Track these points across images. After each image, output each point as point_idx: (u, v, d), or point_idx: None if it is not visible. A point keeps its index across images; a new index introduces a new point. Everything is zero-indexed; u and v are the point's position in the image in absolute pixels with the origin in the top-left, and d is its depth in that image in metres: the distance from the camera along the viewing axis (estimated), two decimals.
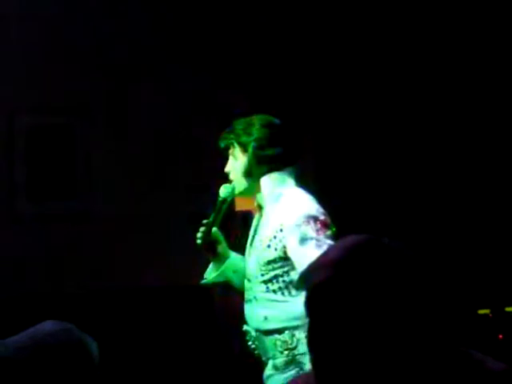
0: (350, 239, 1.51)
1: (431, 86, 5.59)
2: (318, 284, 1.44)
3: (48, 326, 1.81)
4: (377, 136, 5.61)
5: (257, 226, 3.21)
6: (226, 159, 3.25)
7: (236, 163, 3.19)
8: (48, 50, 4.99)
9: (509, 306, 5.26)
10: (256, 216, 3.25)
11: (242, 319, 3.31)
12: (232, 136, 3.18)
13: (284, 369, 3.09)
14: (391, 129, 5.61)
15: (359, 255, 1.44)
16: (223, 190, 3.22)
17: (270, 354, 3.12)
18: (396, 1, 5.44)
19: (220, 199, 3.20)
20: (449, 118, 5.59)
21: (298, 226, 3.01)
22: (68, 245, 4.99)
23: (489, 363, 1.47)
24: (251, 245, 3.21)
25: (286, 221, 3.05)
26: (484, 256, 5.49)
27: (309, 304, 1.46)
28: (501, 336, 5.15)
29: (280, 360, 3.09)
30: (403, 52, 5.56)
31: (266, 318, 3.11)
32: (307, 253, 2.85)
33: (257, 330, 3.17)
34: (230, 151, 3.20)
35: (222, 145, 3.23)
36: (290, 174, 3.17)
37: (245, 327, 3.25)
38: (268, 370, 3.18)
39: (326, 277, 1.44)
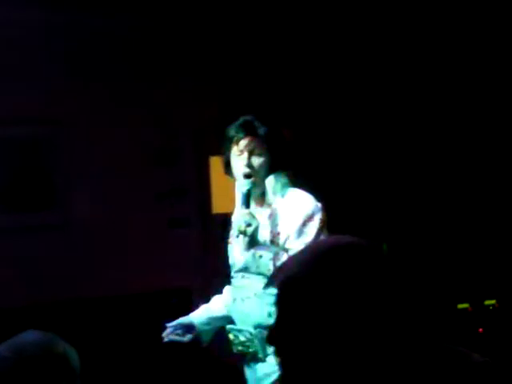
0: (324, 241, 1.53)
1: (413, 87, 5.61)
2: (286, 283, 1.45)
3: (30, 335, 1.81)
4: (355, 138, 5.63)
5: (255, 228, 3.21)
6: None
7: (259, 160, 3.21)
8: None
9: (488, 299, 5.29)
10: (250, 214, 3.26)
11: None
12: (266, 136, 3.23)
13: None
14: (372, 132, 5.64)
15: (330, 257, 1.44)
16: (244, 184, 3.22)
17: (271, 350, 3.12)
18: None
19: (245, 192, 3.20)
20: (434, 115, 5.61)
21: (302, 224, 3.11)
22: (46, 255, 4.97)
23: (467, 357, 1.48)
24: (250, 242, 3.20)
25: (292, 218, 3.14)
26: (462, 250, 5.52)
27: (277, 302, 1.47)
28: (481, 330, 5.18)
29: None
30: (379, 53, 5.58)
31: (270, 314, 3.10)
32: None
33: (257, 327, 3.17)
34: (254, 149, 3.22)
35: (248, 147, 3.23)
36: (290, 175, 3.29)
37: (237, 327, 3.26)
38: (266, 367, 3.17)
39: (294, 276, 1.44)
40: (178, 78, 5.36)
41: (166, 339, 3.35)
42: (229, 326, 3.31)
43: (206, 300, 3.53)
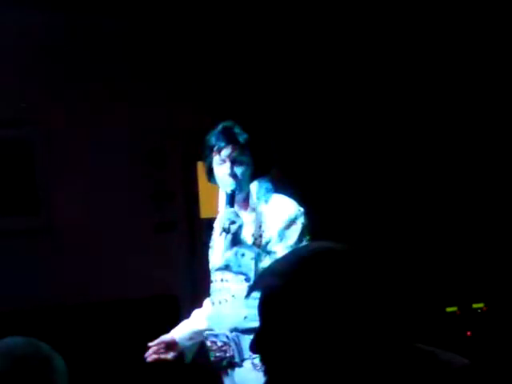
0: (305, 248, 1.53)
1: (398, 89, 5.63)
2: (269, 293, 1.45)
3: (14, 340, 1.80)
4: (338, 140, 5.64)
5: (238, 226, 3.22)
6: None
7: (242, 168, 3.22)
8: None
9: (476, 302, 5.30)
10: (234, 212, 3.26)
11: None
12: (247, 143, 3.23)
13: None
14: (354, 133, 5.65)
15: (313, 266, 1.44)
16: (229, 184, 3.23)
17: (247, 355, 3.12)
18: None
19: (229, 192, 3.21)
20: (421, 114, 5.62)
21: (285, 227, 3.16)
22: (30, 260, 4.94)
23: (450, 359, 1.48)
24: (233, 240, 3.21)
25: (275, 222, 3.18)
26: (451, 254, 5.53)
27: (260, 311, 1.47)
28: (469, 333, 5.19)
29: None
30: (366, 56, 5.60)
31: (245, 318, 3.11)
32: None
33: (233, 331, 3.17)
34: (237, 158, 3.22)
35: (238, 155, 3.23)
36: (273, 180, 3.32)
37: (214, 332, 3.25)
38: (243, 372, 3.17)
39: (276, 284, 1.44)
40: (166, 80, 5.36)
41: (149, 359, 3.35)
42: (206, 333, 3.31)
43: (193, 306, 3.52)
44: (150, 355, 3.34)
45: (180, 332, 3.40)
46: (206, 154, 3.29)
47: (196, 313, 3.45)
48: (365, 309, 1.41)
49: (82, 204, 5.12)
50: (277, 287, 1.44)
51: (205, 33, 5.39)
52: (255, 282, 1.53)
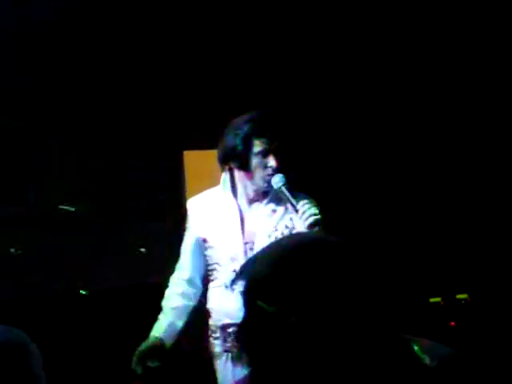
0: (292, 237, 1.53)
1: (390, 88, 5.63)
2: (254, 283, 1.45)
3: None
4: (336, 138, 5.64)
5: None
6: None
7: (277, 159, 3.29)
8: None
9: (460, 293, 5.32)
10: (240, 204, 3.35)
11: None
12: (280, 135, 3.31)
13: None
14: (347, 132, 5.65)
15: (298, 256, 1.44)
16: (276, 181, 3.30)
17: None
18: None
19: (281, 186, 3.27)
20: (413, 116, 5.64)
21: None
22: (19, 249, 4.93)
23: (438, 349, 1.50)
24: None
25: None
26: (434, 245, 5.55)
27: (245, 301, 1.48)
28: (453, 323, 5.21)
29: None
30: (354, 56, 5.59)
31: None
32: None
33: None
34: (277, 148, 3.29)
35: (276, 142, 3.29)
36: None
37: (234, 321, 3.25)
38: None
39: (263, 273, 1.45)
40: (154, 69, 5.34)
41: (139, 371, 3.33)
42: (222, 323, 3.35)
43: None
44: (137, 366, 3.32)
45: (165, 332, 3.40)
46: (240, 141, 3.30)
47: (173, 307, 3.45)
48: (352, 299, 1.42)
49: (69, 192, 5.11)
50: (264, 276, 1.44)
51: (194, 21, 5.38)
52: (241, 269, 1.52)
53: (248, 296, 1.46)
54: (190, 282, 3.48)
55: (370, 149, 5.64)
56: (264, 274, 1.44)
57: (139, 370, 3.32)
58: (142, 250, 5.22)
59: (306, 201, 3.23)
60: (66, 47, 5.13)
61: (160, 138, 5.34)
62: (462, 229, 5.56)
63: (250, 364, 1.47)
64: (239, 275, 1.50)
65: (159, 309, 3.47)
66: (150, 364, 3.34)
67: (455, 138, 5.61)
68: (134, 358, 3.32)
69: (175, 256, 5.34)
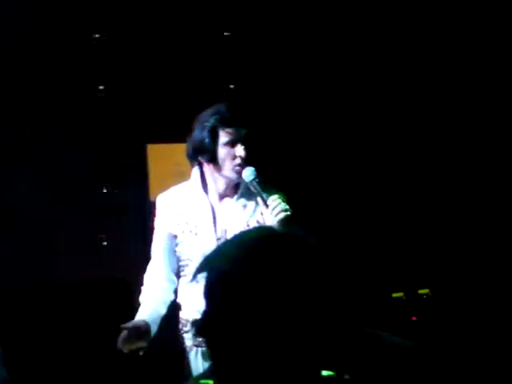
0: (252, 232, 1.54)
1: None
2: (216, 279, 1.46)
3: None
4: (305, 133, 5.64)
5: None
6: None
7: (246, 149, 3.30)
8: None
9: (422, 288, 5.36)
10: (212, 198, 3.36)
11: None
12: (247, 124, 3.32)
13: None
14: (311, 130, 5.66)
15: (259, 251, 1.45)
16: (247, 174, 3.30)
17: None
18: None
19: (252, 179, 3.28)
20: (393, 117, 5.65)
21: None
22: None
23: (397, 342, 1.51)
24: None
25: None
26: (397, 240, 5.58)
27: (206, 295, 1.48)
28: (414, 318, 5.25)
29: None
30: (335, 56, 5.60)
31: None
32: None
33: None
34: (245, 137, 3.30)
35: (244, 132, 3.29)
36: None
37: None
38: None
39: (223, 268, 1.45)
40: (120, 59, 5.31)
41: (124, 350, 3.20)
42: (192, 319, 3.34)
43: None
44: (124, 344, 3.19)
45: (150, 316, 3.32)
46: (205, 133, 3.29)
47: (153, 298, 3.42)
48: (312, 294, 1.43)
49: (30, 186, 5.06)
50: (224, 271, 1.44)
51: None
52: (201, 264, 1.52)
53: (209, 290, 1.46)
54: (165, 277, 3.46)
55: (339, 140, 5.64)
56: (223, 270, 1.44)
57: (126, 350, 3.21)
58: (104, 243, 5.19)
59: (276, 196, 3.23)
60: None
61: (123, 131, 5.31)
62: (424, 225, 5.59)
63: (211, 358, 1.47)
64: (201, 268, 1.50)
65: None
66: (136, 346, 3.23)
67: (422, 131, 5.64)
68: (121, 337, 3.20)
69: (138, 251, 5.32)
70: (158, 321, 3.37)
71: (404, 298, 5.33)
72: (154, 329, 3.32)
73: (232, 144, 3.27)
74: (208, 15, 5.38)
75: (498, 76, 5.52)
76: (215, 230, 3.35)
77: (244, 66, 5.48)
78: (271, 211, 3.20)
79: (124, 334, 3.19)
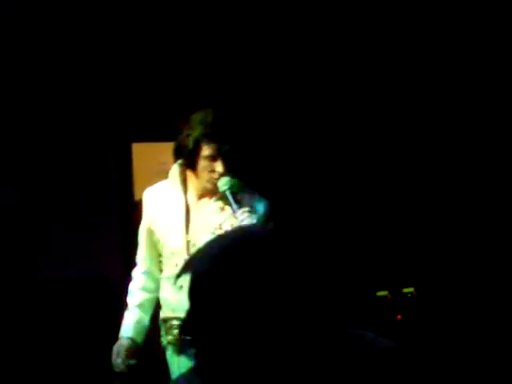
0: (234, 233, 1.56)
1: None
2: (198, 279, 1.47)
3: None
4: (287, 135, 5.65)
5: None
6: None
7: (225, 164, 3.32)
8: None
9: (406, 287, 5.38)
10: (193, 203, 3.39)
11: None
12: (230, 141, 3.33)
13: None
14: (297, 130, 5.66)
15: (241, 250, 1.45)
16: (222, 184, 3.33)
17: None
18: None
19: (226, 189, 3.31)
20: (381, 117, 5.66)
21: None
22: None
23: (378, 342, 1.51)
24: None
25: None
26: (381, 238, 5.60)
27: (190, 295, 1.49)
28: (399, 317, 5.27)
29: None
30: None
31: None
32: None
33: None
34: (226, 153, 3.31)
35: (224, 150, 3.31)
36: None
37: (174, 315, 3.29)
38: None
39: (205, 269, 1.46)
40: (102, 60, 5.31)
41: (126, 370, 3.40)
42: (164, 316, 3.35)
43: (127, 288, 3.52)
44: (121, 368, 3.40)
45: (135, 332, 3.45)
46: (191, 143, 3.31)
47: (137, 305, 3.48)
48: (293, 294, 1.44)
49: (15, 185, 5.06)
50: (206, 272, 1.45)
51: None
52: (184, 265, 1.54)
53: (192, 291, 1.48)
54: (148, 273, 3.50)
55: (328, 140, 5.65)
56: (204, 271, 1.46)
57: (126, 370, 3.39)
58: (88, 242, 5.19)
59: (246, 209, 3.24)
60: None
61: (108, 130, 5.30)
62: (409, 223, 5.61)
63: (195, 357, 1.49)
64: (183, 270, 1.52)
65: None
66: (130, 363, 3.40)
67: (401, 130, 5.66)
68: (119, 362, 3.38)
69: (123, 249, 5.33)
70: (144, 330, 3.48)
71: (389, 296, 5.35)
72: (140, 339, 3.46)
73: (212, 158, 3.29)
74: (198, 14, 5.38)
75: (498, 76, 5.54)
76: (186, 229, 3.38)
77: (234, 65, 5.49)
78: (239, 223, 3.23)
79: (122, 360, 3.40)
